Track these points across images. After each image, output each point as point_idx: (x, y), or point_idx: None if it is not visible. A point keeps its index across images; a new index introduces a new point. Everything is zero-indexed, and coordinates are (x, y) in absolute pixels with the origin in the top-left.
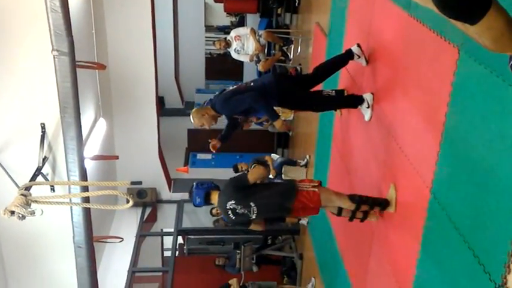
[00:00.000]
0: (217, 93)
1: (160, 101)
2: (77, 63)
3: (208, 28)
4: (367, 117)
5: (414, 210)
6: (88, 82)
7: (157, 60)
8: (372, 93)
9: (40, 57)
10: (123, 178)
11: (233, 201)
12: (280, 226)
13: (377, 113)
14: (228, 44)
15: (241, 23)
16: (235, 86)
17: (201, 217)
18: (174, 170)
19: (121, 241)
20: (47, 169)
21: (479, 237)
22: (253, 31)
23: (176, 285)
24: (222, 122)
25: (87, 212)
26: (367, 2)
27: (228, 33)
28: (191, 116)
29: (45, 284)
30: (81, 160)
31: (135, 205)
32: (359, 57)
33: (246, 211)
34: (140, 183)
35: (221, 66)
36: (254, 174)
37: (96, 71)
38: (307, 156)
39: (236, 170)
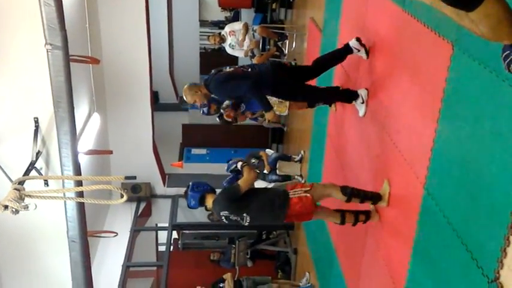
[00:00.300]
0: (213, 71)
1: (154, 96)
2: (70, 57)
3: (203, 23)
4: (361, 113)
5: (408, 206)
6: (82, 76)
7: (152, 55)
8: (367, 89)
9: (33, 51)
10: (118, 173)
11: (226, 212)
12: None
13: (371, 108)
14: (222, 39)
15: (235, 18)
16: (231, 69)
17: (195, 212)
18: (168, 165)
19: (115, 236)
20: (40, 163)
21: (472, 233)
22: (245, 26)
23: (171, 280)
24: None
25: (81, 207)
26: None
27: (223, 28)
28: (183, 93)
29: (39, 279)
30: (75, 155)
31: (130, 200)
32: (358, 50)
33: (239, 219)
34: (134, 177)
35: (216, 61)
36: (245, 181)
37: (90, 65)
38: (302, 152)
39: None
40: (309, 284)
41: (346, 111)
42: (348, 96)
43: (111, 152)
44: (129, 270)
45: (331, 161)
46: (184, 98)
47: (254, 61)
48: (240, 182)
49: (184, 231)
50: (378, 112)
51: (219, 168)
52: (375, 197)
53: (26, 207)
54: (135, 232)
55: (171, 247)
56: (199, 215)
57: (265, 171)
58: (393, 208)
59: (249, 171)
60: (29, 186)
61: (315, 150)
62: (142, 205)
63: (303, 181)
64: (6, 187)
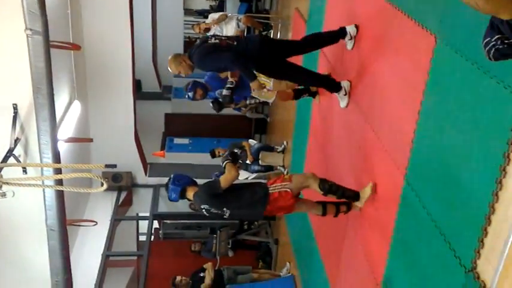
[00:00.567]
0: (197, 42)
1: (137, 84)
2: (51, 43)
3: (188, 11)
4: (343, 104)
5: (388, 197)
6: (63, 63)
7: (135, 42)
8: (349, 81)
9: (13, 36)
10: (98, 161)
11: (207, 206)
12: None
13: (354, 100)
14: (207, 29)
15: (220, 7)
16: (217, 40)
17: (177, 202)
18: (150, 154)
19: (95, 225)
20: (19, 151)
21: (451, 223)
22: (222, 16)
23: (151, 270)
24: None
25: (60, 195)
26: None
27: (207, 17)
28: (168, 63)
29: (17, 267)
30: (54, 142)
31: (110, 189)
32: (351, 38)
33: (220, 212)
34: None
35: None
36: (226, 180)
37: (71, 51)
38: (285, 143)
39: (213, 155)
40: (290, 274)
41: (329, 103)
42: (331, 84)
43: (91, 140)
44: (108, 260)
45: (313, 151)
46: (169, 69)
47: None
48: (221, 179)
49: (165, 221)
50: (360, 104)
51: (202, 158)
52: (352, 196)
53: (4, 194)
54: (115, 221)
55: (152, 237)
56: (181, 206)
57: (247, 162)
58: (374, 199)
59: (231, 170)
60: (7, 173)
61: (298, 140)
62: (123, 194)
63: (285, 171)
64: None
